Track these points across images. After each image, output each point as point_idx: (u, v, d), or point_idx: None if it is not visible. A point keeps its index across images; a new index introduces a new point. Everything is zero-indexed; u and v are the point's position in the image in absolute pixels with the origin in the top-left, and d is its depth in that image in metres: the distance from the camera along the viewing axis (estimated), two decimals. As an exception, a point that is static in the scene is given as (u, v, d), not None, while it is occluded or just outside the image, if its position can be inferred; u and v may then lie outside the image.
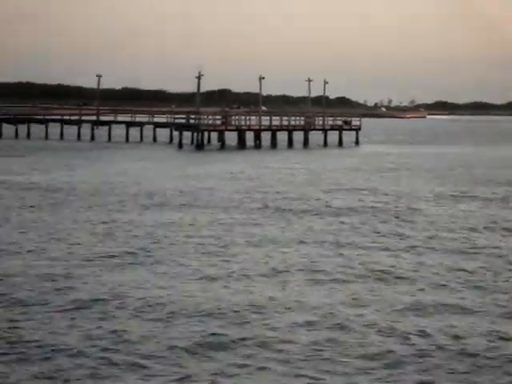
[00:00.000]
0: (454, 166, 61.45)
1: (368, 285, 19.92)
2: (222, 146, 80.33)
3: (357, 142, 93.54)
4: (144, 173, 50.21)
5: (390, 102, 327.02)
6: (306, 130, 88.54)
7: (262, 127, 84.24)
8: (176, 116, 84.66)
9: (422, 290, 19.46)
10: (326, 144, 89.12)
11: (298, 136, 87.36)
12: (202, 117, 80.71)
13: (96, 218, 29.92)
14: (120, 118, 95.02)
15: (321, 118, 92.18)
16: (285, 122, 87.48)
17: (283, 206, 34.72)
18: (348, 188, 42.73)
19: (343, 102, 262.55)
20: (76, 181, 43.98)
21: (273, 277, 20.63)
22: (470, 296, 18.93)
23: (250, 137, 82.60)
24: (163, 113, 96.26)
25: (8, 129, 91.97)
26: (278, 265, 22.05)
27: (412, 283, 20.14)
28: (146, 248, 24.15)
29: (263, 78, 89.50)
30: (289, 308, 17.55)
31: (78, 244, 24.58)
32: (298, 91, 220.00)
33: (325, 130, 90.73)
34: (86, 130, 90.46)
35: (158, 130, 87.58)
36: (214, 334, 15.51)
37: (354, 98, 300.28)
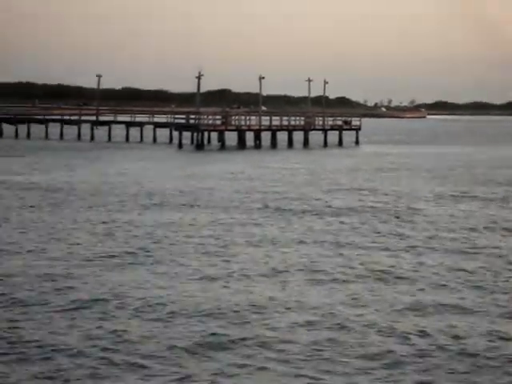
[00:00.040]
0: (454, 166, 61.46)
1: (368, 285, 19.92)
2: (222, 146, 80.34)
3: (357, 142, 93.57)
4: (144, 173, 50.21)
5: (389, 102, 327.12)
6: (306, 130, 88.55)
7: (262, 127, 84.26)
8: (176, 116, 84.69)
9: (421, 289, 19.46)
10: (326, 144, 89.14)
11: (298, 136, 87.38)
12: (202, 117, 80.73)
13: (96, 218, 29.92)
14: (120, 118, 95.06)
15: (321, 118, 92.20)
16: (285, 122, 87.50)
17: (283, 206, 34.72)
18: (348, 188, 42.74)
19: (343, 102, 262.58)
20: (76, 181, 43.98)
21: (273, 277, 20.63)
22: (470, 296, 18.93)
23: (250, 137, 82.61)
24: (163, 113, 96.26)
25: (8, 129, 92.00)
26: (278, 265, 22.05)
27: (412, 283, 20.15)
28: (145, 248, 24.15)
29: (263, 77, 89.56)
30: (289, 308, 17.55)
31: (78, 244, 24.58)
32: (298, 91, 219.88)
33: (325, 130, 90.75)
34: (86, 130, 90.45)
35: (157, 130, 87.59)
36: (213, 334, 15.51)
37: (354, 98, 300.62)
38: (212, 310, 17.18)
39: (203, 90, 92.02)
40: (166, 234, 26.64)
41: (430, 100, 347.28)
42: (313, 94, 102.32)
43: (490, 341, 15.37)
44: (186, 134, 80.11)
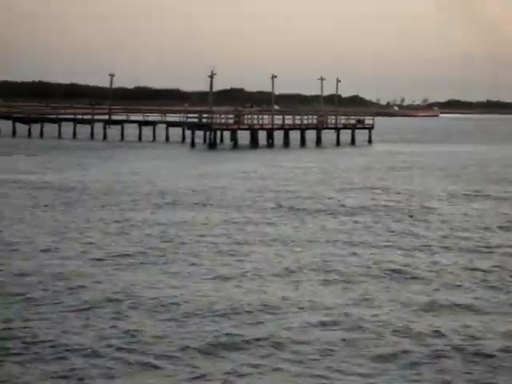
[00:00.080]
0: (467, 164, 61.25)
1: (382, 284, 19.84)
2: (235, 145, 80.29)
3: (370, 141, 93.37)
4: (157, 172, 50.23)
5: (402, 100, 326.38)
6: (318, 128, 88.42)
7: (275, 126, 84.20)
8: (188, 115, 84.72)
9: (436, 289, 19.36)
10: (338, 143, 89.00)
11: (311, 135, 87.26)
12: (215, 116, 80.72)
13: (109, 217, 29.94)
14: (132, 117, 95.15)
15: (333, 117, 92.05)
16: (297, 121, 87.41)
17: (296, 205, 34.65)
18: (361, 187, 42.63)
19: (356, 101, 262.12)
20: (89, 180, 44.04)
21: (286, 276, 20.58)
22: (485, 296, 18.82)
23: (262, 136, 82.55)
24: (176, 112, 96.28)
25: (21, 128, 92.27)
26: (291, 264, 21.99)
27: (426, 283, 20.04)
28: (158, 247, 24.14)
29: (275, 76, 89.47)
30: (302, 308, 17.49)
31: (91, 243, 24.60)
32: (310, 90, 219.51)
33: (337, 129, 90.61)
34: (98, 129, 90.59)
35: (170, 129, 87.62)
36: (227, 334, 15.47)
37: (366, 97, 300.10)
38: (225, 310, 17.14)
39: (216, 89, 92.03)
40: (178, 234, 26.62)
41: (442, 98, 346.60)
42: (325, 93, 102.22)
43: (505, 341, 15.27)
44: (199, 133, 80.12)
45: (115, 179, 44.67)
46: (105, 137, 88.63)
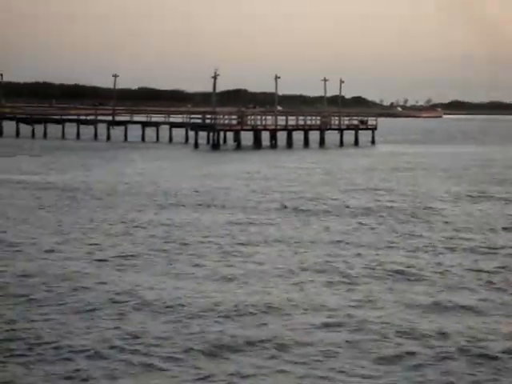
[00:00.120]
0: (470, 165, 61.20)
1: (386, 285, 19.82)
2: (238, 145, 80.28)
3: (373, 142, 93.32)
4: (160, 172, 50.25)
5: (405, 101, 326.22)
6: (321, 129, 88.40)
7: (278, 127, 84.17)
8: (192, 116, 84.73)
9: (440, 290, 19.33)
10: (342, 144, 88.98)
11: (314, 136, 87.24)
12: (218, 117, 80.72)
13: (112, 218, 29.95)
14: (136, 118, 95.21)
15: (337, 118, 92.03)
16: (301, 122, 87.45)
17: (299, 205, 34.63)
18: (364, 188, 42.60)
19: (359, 102, 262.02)
20: (92, 180, 44.06)
21: (290, 277, 20.56)
22: (490, 297, 18.78)
23: (265, 136, 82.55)
24: (179, 113, 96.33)
25: (25, 129, 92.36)
26: (294, 265, 21.98)
27: (430, 284, 20.01)
28: (162, 248, 24.14)
29: (279, 77, 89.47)
30: (306, 309, 17.47)
31: (95, 244, 24.60)
32: (313, 91, 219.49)
33: (341, 130, 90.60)
34: (102, 129, 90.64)
35: (173, 129, 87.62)
36: (230, 335, 15.45)
37: (369, 98, 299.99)
38: (229, 311, 17.13)
39: (219, 90, 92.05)
40: (182, 234, 26.62)
41: (446, 100, 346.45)
42: (329, 94, 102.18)
43: (510, 342, 15.23)
44: (202, 134, 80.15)
45: (119, 180, 44.68)
46: (108, 137, 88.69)
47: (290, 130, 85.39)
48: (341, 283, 19.99)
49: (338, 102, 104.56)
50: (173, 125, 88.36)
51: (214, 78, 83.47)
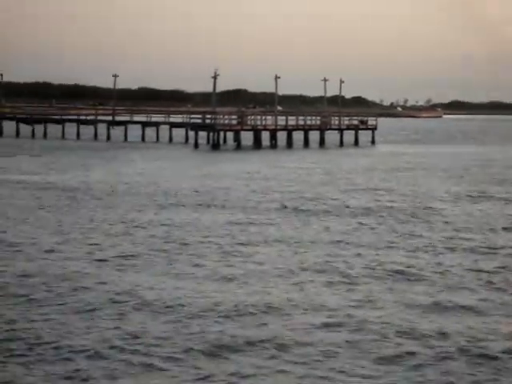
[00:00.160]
0: (470, 165, 61.20)
1: (386, 285, 19.81)
2: (238, 145, 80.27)
3: (373, 142, 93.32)
4: (160, 172, 50.24)
5: (405, 101, 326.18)
6: (321, 129, 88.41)
7: (278, 127, 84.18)
8: (192, 116, 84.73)
9: (440, 290, 19.32)
10: (342, 144, 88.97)
11: (314, 136, 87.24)
12: (218, 117, 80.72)
13: (112, 218, 29.94)
14: (136, 118, 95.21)
15: (337, 118, 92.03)
16: (301, 122, 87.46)
17: (299, 205, 34.63)
18: (364, 188, 42.60)
19: (359, 102, 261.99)
20: (92, 180, 44.05)
21: (290, 277, 20.55)
22: (490, 297, 18.77)
23: (265, 136, 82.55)
24: (179, 113, 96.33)
25: (25, 129, 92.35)
26: (294, 265, 21.97)
27: (430, 284, 20.01)
28: (162, 248, 24.13)
29: (279, 77, 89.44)
30: (306, 309, 17.47)
31: (95, 244, 24.59)
32: (313, 91, 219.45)
33: (341, 130, 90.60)
34: (102, 129, 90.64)
35: (173, 129, 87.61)
36: (230, 335, 15.45)
37: (369, 98, 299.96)
38: (229, 311, 17.13)
39: (219, 89, 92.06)
40: (182, 234, 26.61)
41: (445, 99, 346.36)
42: (329, 94, 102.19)
43: (510, 343, 15.22)
44: (202, 134, 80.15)
45: (119, 180, 44.68)
46: (108, 137, 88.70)
47: (290, 130, 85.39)
48: (341, 283, 19.99)
49: (338, 102, 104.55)
50: (173, 125, 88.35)
51: (214, 78, 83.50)
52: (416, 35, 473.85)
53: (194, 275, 20.59)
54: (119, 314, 16.91)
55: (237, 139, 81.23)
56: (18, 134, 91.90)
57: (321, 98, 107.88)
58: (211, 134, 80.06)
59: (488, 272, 21.41)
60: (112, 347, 14.72)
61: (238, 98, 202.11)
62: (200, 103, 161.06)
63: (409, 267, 21.87)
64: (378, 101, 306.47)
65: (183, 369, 13.79)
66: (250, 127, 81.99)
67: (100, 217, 30.30)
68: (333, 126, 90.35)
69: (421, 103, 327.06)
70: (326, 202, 35.94)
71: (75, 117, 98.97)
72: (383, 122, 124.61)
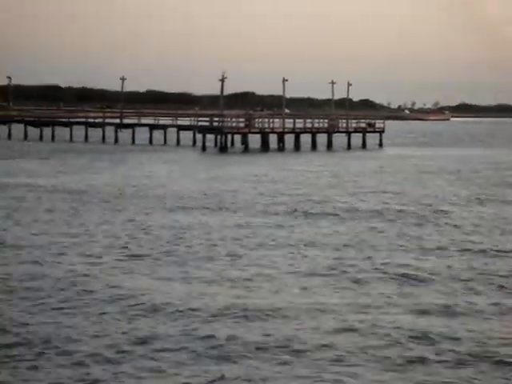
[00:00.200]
0: (478, 168, 61.02)
1: (396, 289, 19.68)
2: (246, 148, 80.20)
3: (380, 145, 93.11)
4: (168, 175, 50.19)
5: (413, 104, 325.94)
6: (329, 132, 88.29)
7: (286, 130, 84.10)
8: (199, 119, 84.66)
9: (451, 294, 19.19)
10: (349, 146, 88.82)
11: (322, 138, 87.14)
12: (226, 119, 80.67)
13: (120, 221, 29.87)
14: (143, 120, 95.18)
15: (344, 121, 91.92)
16: (308, 125, 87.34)
17: (307, 208, 34.52)
18: (372, 190, 42.47)
19: (367, 105, 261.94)
20: (100, 183, 44.01)
21: (299, 281, 20.44)
22: (501, 300, 18.63)
23: (273, 139, 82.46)
24: (187, 115, 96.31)
25: (33, 131, 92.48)
26: (304, 268, 21.86)
27: (441, 287, 19.87)
28: (169, 251, 24.05)
29: (286, 80, 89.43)
30: (315, 312, 17.35)
31: (103, 247, 24.52)
32: (321, 94, 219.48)
33: (348, 133, 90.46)
34: (110, 132, 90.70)
35: (181, 132, 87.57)
36: (238, 339, 15.34)
37: (377, 101, 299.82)
38: (237, 314, 17.02)
39: (227, 92, 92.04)
40: (189, 237, 26.53)
41: (453, 102, 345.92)
42: (336, 97, 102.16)
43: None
44: (210, 137, 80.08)
45: (127, 182, 44.63)
46: (116, 140, 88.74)
47: (297, 133, 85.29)
48: (350, 287, 19.86)
49: (345, 104, 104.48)
50: (180, 127, 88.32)
51: (222, 80, 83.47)
52: (423, 38, 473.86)
53: (203, 278, 20.48)
54: (128, 317, 16.82)
55: (244, 142, 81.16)
56: (26, 136, 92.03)
57: (328, 100, 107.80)
58: (219, 136, 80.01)
59: (499, 276, 21.26)
60: (119, 351, 14.63)
61: (245, 101, 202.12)
62: (207, 106, 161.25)
63: (419, 270, 21.72)
64: (385, 103, 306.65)
65: (193, 373, 13.68)
66: (257, 130, 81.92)
67: (108, 220, 30.23)
68: (340, 129, 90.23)
69: (428, 106, 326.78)
70: (334, 205, 35.82)
71: (83, 119, 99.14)
72: (391, 125, 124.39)
